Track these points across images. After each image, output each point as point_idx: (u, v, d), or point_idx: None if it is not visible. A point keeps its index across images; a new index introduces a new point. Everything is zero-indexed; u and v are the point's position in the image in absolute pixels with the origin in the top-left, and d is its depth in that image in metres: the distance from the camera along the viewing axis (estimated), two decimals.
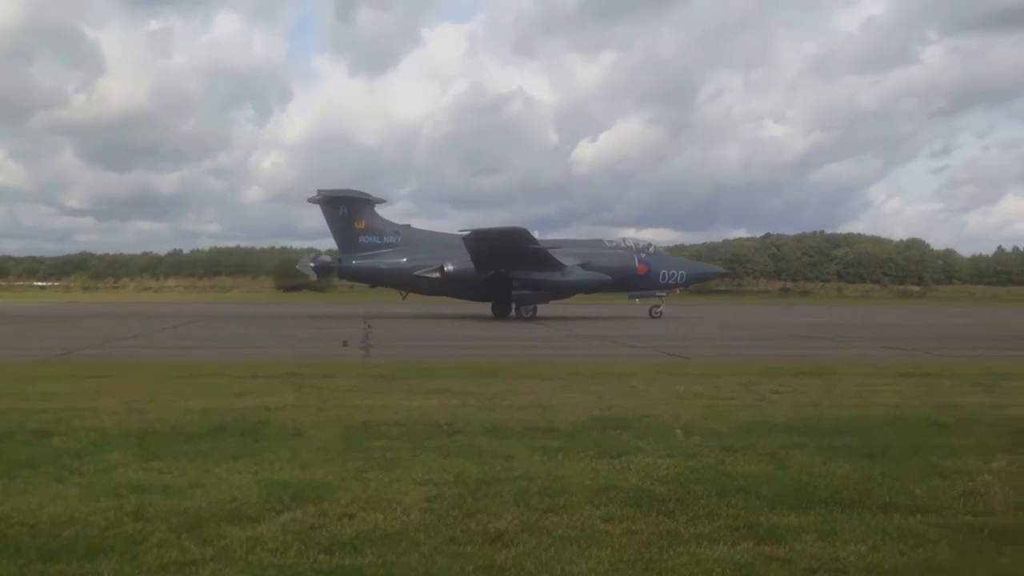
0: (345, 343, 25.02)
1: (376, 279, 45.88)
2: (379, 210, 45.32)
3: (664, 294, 46.34)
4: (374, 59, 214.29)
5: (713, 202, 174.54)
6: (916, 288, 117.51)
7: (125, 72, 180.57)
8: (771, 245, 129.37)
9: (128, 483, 7.76)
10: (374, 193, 45.44)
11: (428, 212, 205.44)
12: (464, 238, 40.19)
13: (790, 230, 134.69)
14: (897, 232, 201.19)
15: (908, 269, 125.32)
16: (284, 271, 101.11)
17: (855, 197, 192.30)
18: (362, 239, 44.16)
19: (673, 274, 45.83)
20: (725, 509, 7.03)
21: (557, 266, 41.81)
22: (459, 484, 7.77)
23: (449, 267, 42.48)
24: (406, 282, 44.88)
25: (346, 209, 43.96)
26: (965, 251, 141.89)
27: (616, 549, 6.06)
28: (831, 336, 32.02)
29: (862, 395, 13.87)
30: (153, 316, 43.72)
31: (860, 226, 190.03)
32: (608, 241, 46.63)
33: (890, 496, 7.45)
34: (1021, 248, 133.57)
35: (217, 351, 22.38)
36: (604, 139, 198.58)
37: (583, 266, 43.14)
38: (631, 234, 48.57)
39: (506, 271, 41.47)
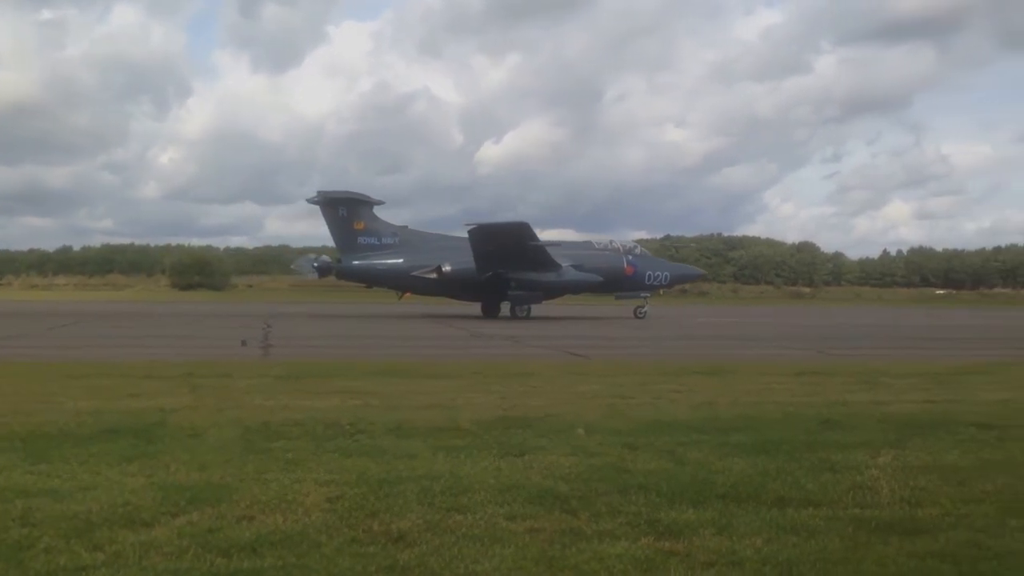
0: (244, 343, 24.51)
1: (374, 279, 46.78)
2: (378, 211, 45.76)
3: (648, 295, 47.35)
4: (277, 55, 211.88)
5: (615, 203, 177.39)
6: (807, 289, 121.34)
7: (14, 62, 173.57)
8: (671, 247, 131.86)
9: (13, 487, 7.44)
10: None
11: None
12: (469, 233, 40.88)
13: (689, 232, 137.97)
14: (790, 235, 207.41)
15: (800, 271, 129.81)
16: (180, 269, 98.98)
17: (751, 201, 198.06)
18: (360, 240, 44.62)
19: (658, 275, 46.94)
20: (626, 506, 7.13)
21: (554, 266, 42.64)
22: (361, 484, 7.69)
23: (447, 267, 43.03)
24: (403, 282, 45.44)
25: (345, 210, 44.46)
26: (853, 254, 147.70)
27: (519, 547, 6.09)
28: (741, 336, 32.81)
29: (756, 393, 14.27)
30: (40, 315, 42.01)
31: (756, 229, 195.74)
32: (597, 242, 47.66)
33: (784, 490, 7.67)
34: (904, 252, 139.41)
35: (109, 351, 21.65)
36: (509, 140, 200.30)
37: (575, 267, 43.95)
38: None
39: (504, 271, 42.04)
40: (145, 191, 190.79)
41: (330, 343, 27.28)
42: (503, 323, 39.66)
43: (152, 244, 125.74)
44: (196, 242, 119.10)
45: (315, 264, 45.85)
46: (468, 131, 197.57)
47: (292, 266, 50.41)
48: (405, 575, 5.63)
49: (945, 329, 41.53)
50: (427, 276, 43.78)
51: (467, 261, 42.21)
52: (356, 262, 44.65)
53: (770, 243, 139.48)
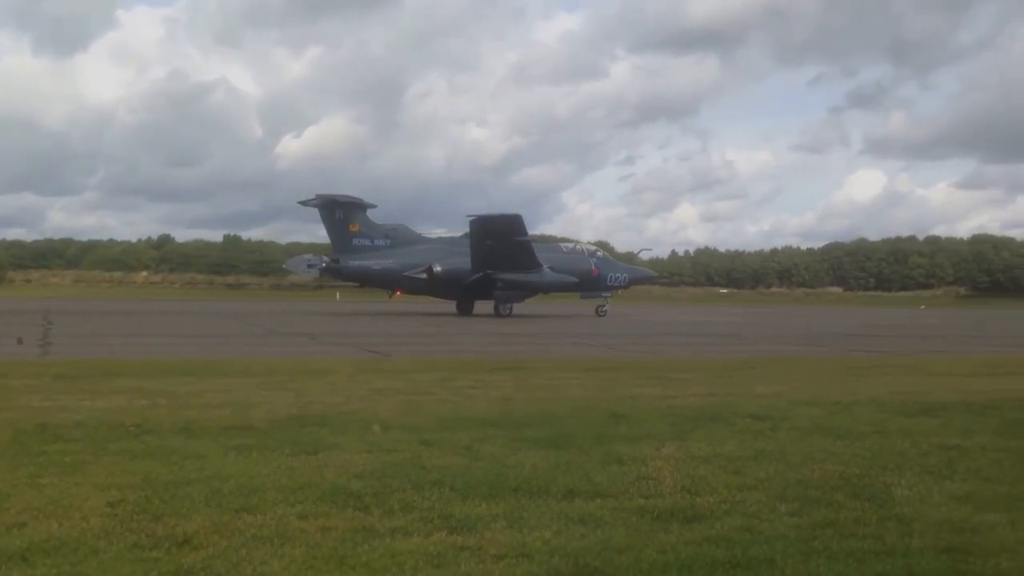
0: (20, 341, 22.91)
1: (367, 279, 49.42)
2: (371, 214, 48.39)
3: (609, 295, 50.74)
4: (62, 38, 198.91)
5: (416, 201, 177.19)
6: None
7: None
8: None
9: None
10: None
11: (119, 204, 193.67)
12: (471, 224, 44.59)
13: None
14: (586, 235, 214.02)
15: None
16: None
17: (550, 200, 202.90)
18: (355, 241, 47.15)
19: (618, 277, 50.70)
20: (420, 502, 7.17)
21: (536, 267, 45.69)
22: (146, 487, 7.38)
23: (438, 268, 45.86)
24: (395, 282, 48.07)
25: (342, 213, 46.90)
26: (645, 254, 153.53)
27: (310, 546, 6.01)
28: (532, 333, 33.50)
29: (551, 389, 14.66)
30: None
31: (554, 228, 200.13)
32: (564, 246, 51.54)
33: (574, 483, 7.91)
34: (692, 252, 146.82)
35: None
36: (310, 134, 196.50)
37: (551, 268, 46.85)
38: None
39: (493, 272, 44.82)
40: None
41: (119, 341, 25.92)
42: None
43: None
44: None
45: (323, 264, 48.56)
46: (267, 124, 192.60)
47: (284, 265, 53.58)
48: None
49: (722, 326, 43.95)
50: (418, 276, 46.34)
51: (456, 262, 45.69)
52: (352, 263, 47.13)
53: (567, 241, 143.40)
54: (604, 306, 50.15)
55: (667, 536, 6.47)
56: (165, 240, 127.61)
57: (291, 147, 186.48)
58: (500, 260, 44.18)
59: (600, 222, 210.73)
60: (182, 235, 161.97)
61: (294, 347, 24.27)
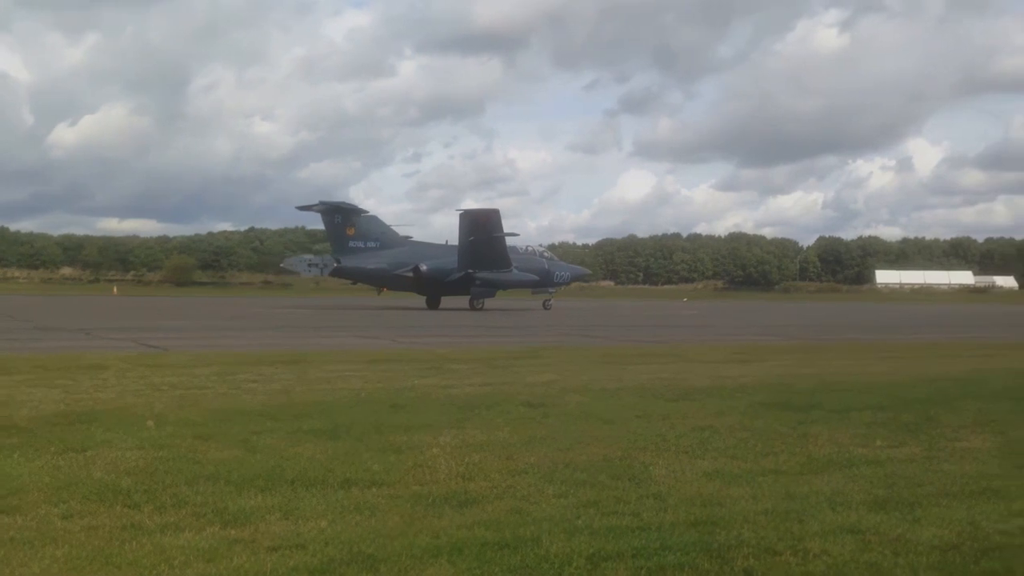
0: None
1: (361, 277, 55.64)
2: (365, 218, 54.20)
3: (554, 291, 57.43)
4: None
5: (201, 195, 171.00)
6: None
7: None
8: (255, 239, 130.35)
9: None
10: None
11: None
12: (460, 216, 51.09)
13: (274, 225, 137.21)
14: None
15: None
16: None
17: (336, 195, 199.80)
18: (351, 243, 53.18)
19: (563, 275, 57.78)
20: (193, 496, 7.08)
21: (508, 265, 51.70)
22: None
23: (424, 267, 52.14)
24: (386, 280, 54.60)
25: (340, 217, 53.34)
26: None
27: (74, 546, 5.82)
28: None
29: (332, 380, 14.65)
30: None
31: None
32: (519, 247, 55.87)
33: (350, 472, 8.02)
34: None
35: None
36: (86, 124, 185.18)
37: (516, 268, 52.68)
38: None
39: (473, 271, 50.90)
40: None
41: None
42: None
43: None
44: None
45: (335, 265, 53.57)
46: (39, 112, 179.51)
47: (282, 264, 60.93)
48: None
49: (498, 316, 45.04)
50: (406, 275, 52.47)
51: (441, 263, 52.18)
52: (350, 264, 53.29)
53: None
54: (549, 300, 55.87)
55: (440, 521, 6.70)
56: None
57: (65, 136, 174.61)
58: (480, 259, 50.13)
59: (387, 217, 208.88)
60: None
61: (65, 342, 22.88)
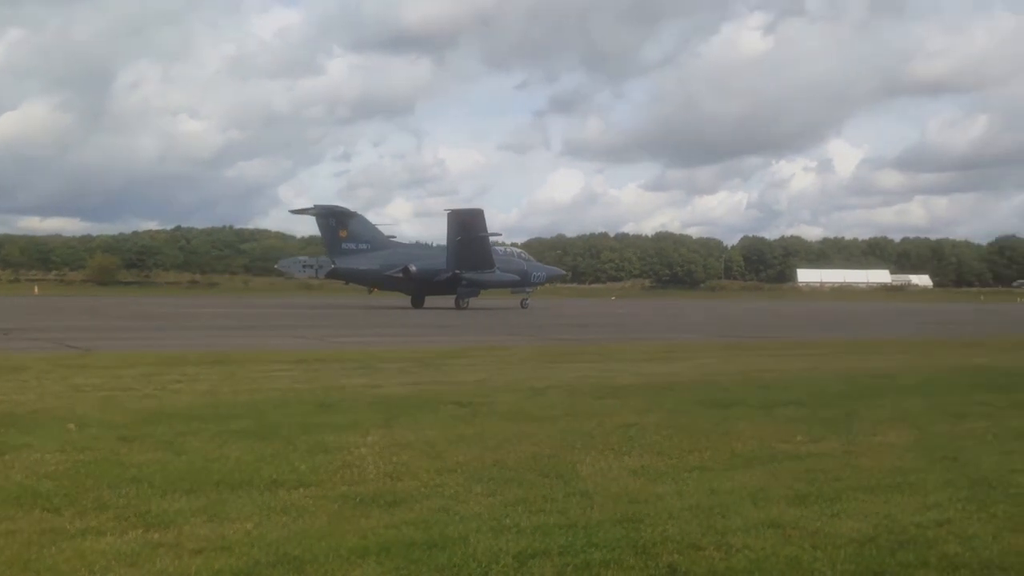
0: None
1: (354, 278, 57.99)
2: (357, 221, 56.73)
3: (531, 290, 60.46)
4: None
5: (125, 193, 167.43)
6: (316, 280, 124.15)
7: None
8: (181, 238, 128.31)
9: None
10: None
11: None
12: (448, 216, 53.41)
13: (201, 224, 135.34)
14: (300, 229, 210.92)
15: (308, 263, 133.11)
16: None
17: (265, 195, 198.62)
18: (344, 245, 55.53)
19: (539, 275, 61.16)
20: (115, 500, 6.96)
21: (492, 266, 54.40)
22: None
23: (413, 268, 54.72)
24: (377, 280, 57.51)
25: (334, 220, 55.61)
26: None
27: None
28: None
29: (259, 381, 14.51)
30: None
31: (268, 222, 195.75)
32: (497, 248, 58.32)
33: (278, 473, 7.96)
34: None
35: None
36: (6, 121, 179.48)
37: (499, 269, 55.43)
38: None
39: (460, 272, 53.37)
40: None
41: None
42: None
43: None
44: None
45: (331, 266, 56.05)
46: None
47: (276, 266, 65.38)
48: None
49: (430, 316, 45.03)
50: (395, 275, 54.93)
51: (429, 264, 54.82)
52: (343, 265, 55.69)
53: (281, 236, 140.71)
54: (527, 299, 58.77)
55: (367, 521, 6.69)
56: None
57: None
58: (466, 259, 52.68)
59: None
60: None
61: None
